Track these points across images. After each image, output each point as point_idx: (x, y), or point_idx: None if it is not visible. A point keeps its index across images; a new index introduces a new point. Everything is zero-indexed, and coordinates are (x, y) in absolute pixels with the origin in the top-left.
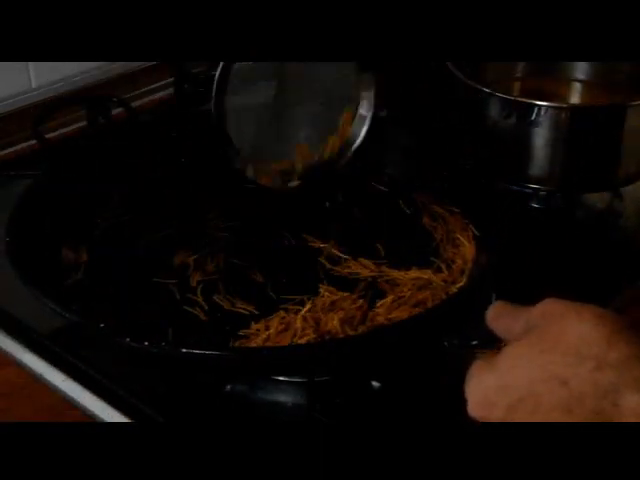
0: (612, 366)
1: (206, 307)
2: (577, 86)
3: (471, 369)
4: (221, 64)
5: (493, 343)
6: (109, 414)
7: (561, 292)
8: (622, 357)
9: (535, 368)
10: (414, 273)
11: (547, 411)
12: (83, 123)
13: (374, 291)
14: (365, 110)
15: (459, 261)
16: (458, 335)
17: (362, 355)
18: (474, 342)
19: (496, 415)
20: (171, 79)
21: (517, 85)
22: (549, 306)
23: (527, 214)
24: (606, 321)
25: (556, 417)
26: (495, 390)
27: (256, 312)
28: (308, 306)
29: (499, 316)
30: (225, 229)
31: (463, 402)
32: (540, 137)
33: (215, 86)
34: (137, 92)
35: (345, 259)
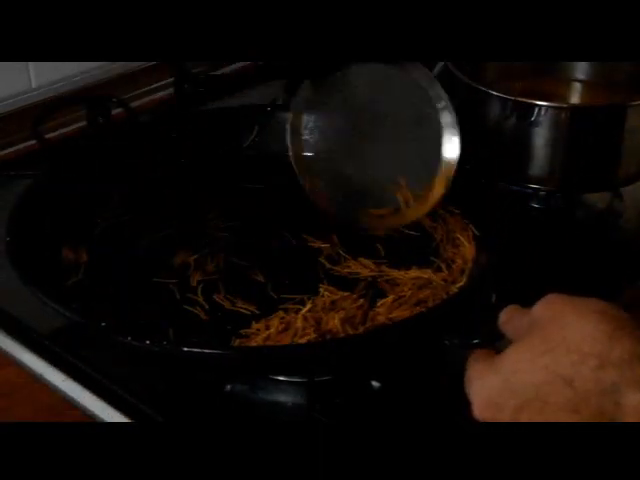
0: (615, 364)
1: (207, 306)
2: (577, 86)
3: (472, 370)
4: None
5: (493, 342)
6: (109, 414)
7: (561, 292)
8: (625, 355)
9: (538, 370)
10: (414, 273)
11: (554, 412)
12: (83, 123)
13: (374, 291)
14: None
15: (459, 261)
16: (459, 334)
17: (363, 354)
18: (475, 341)
19: (503, 417)
20: (171, 79)
21: (517, 85)
22: (551, 302)
23: (527, 214)
24: (608, 318)
25: (563, 417)
26: (500, 392)
27: (257, 312)
28: (309, 306)
29: (510, 319)
30: (225, 229)
31: (463, 402)
32: (540, 137)
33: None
34: (137, 92)
35: (345, 259)
